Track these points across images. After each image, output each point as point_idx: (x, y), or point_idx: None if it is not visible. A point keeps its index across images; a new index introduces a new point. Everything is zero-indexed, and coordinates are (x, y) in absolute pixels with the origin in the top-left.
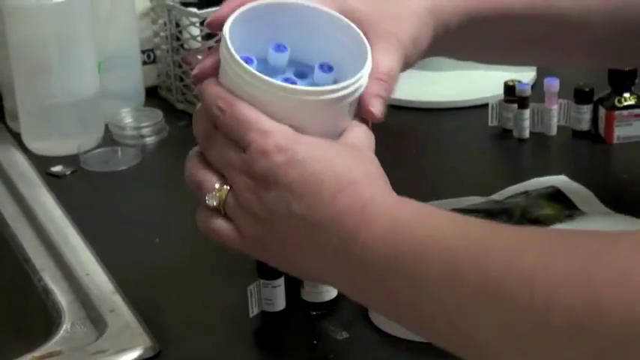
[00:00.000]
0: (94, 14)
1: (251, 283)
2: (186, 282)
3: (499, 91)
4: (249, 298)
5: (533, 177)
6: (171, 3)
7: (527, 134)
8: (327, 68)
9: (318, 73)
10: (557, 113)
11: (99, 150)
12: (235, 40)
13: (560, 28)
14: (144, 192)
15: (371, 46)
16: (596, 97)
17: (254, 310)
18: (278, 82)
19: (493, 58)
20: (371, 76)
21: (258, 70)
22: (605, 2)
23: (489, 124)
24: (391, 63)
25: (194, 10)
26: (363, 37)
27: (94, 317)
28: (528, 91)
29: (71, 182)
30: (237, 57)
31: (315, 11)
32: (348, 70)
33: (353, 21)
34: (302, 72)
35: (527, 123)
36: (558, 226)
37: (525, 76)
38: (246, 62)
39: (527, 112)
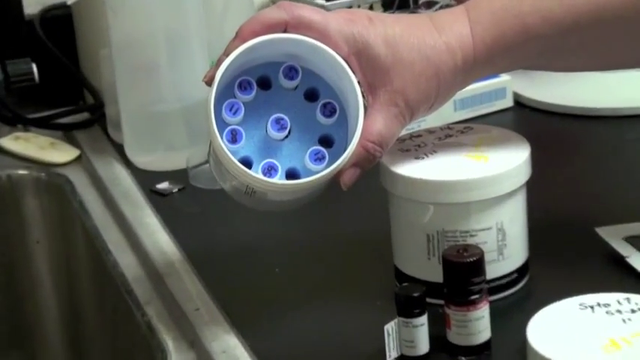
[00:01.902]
0: (206, 7)
1: (388, 321)
2: (310, 319)
3: None
4: (386, 339)
5: None
6: None
7: None
8: (324, 142)
9: (310, 162)
10: None
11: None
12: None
13: None
14: (263, 217)
15: (373, 100)
16: None
17: (392, 354)
18: (256, 175)
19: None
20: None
21: (251, 108)
22: None
23: None
24: (382, 129)
25: (320, 1)
26: (360, 99)
27: (204, 359)
28: None
29: (179, 201)
30: (226, 150)
31: (318, 50)
32: (349, 113)
33: (367, 67)
34: (312, 91)
35: None
36: None
37: None
38: (240, 86)
39: None
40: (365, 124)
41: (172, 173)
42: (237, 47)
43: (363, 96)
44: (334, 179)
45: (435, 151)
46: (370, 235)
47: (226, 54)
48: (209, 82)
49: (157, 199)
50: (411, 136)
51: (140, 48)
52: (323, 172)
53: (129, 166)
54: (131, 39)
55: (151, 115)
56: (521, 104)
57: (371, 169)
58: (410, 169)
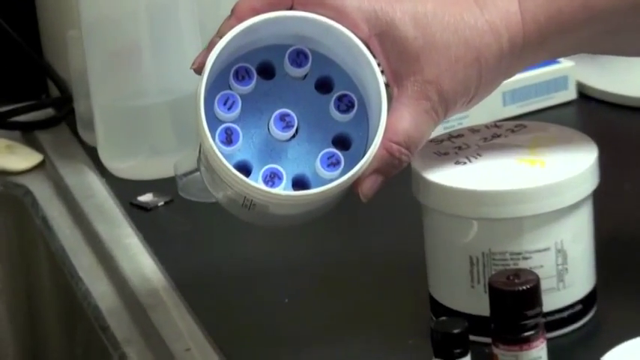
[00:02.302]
0: None
1: None
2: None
3: None
4: None
5: None
6: None
7: None
8: (340, 144)
9: (321, 168)
10: None
11: None
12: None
13: None
14: (267, 233)
15: (399, 92)
16: None
17: None
18: (256, 185)
19: None
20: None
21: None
22: None
23: None
24: (410, 127)
25: None
26: (383, 90)
27: None
28: None
29: (165, 217)
30: (219, 153)
31: (332, 31)
32: (370, 108)
33: (392, 52)
34: (324, 80)
35: None
36: None
37: None
38: (237, 75)
39: None
40: (389, 121)
41: (157, 183)
42: (232, 27)
43: (387, 87)
44: (352, 188)
45: (480, 155)
46: (399, 257)
47: (220, 36)
48: (199, 70)
49: (138, 214)
50: (450, 136)
51: (117, 28)
52: (338, 180)
53: (103, 173)
54: (105, 18)
55: (130, 112)
56: (586, 96)
57: (400, 176)
58: (448, 176)
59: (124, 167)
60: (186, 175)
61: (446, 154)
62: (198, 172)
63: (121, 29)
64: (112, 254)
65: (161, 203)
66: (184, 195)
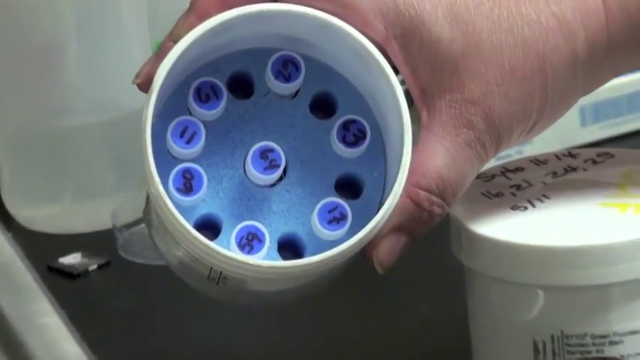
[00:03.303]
0: None
1: None
2: None
3: None
4: None
5: None
6: None
7: None
8: (346, 190)
9: (320, 226)
10: None
11: None
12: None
13: None
14: (242, 312)
15: (429, 118)
16: None
17: None
18: (226, 253)
19: None
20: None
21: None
22: None
23: None
24: (445, 167)
25: None
26: (405, 115)
27: None
28: None
29: (99, 287)
30: (171, 207)
31: (334, 30)
32: (388, 139)
33: (420, 60)
34: (323, 99)
35: None
36: None
37: None
38: (199, 94)
39: None
40: (416, 157)
41: (87, 238)
42: (192, 27)
43: (413, 109)
44: (363, 254)
45: (547, 197)
46: (433, 341)
47: (174, 39)
48: (145, 86)
49: (60, 283)
50: (505, 170)
51: (32, 23)
52: (343, 244)
53: (10, 226)
54: (16, 8)
55: (48, 138)
56: None
57: (434, 227)
58: (503, 227)
59: (39, 217)
60: (128, 227)
61: (499, 195)
62: (145, 225)
63: (38, 24)
64: (22, 339)
65: (93, 267)
66: (125, 255)
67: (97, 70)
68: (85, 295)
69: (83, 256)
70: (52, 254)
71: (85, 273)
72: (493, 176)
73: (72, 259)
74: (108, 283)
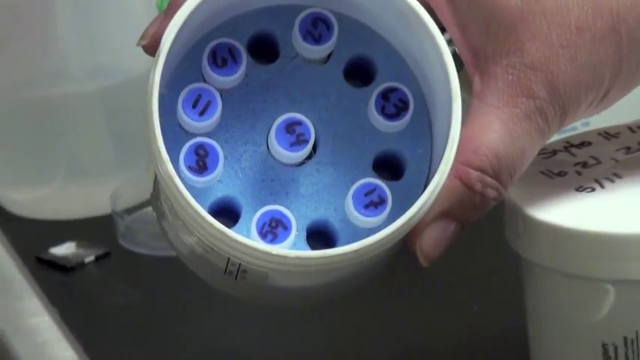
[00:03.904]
0: None
1: None
2: None
3: None
4: None
5: None
6: None
7: None
8: (385, 170)
9: (355, 211)
10: None
11: None
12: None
13: None
14: (263, 313)
15: (483, 85)
16: None
17: None
18: (246, 241)
19: None
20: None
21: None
22: None
23: None
24: (501, 143)
25: None
26: (454, 81)
27: None
28: None
29: (97, 282)
30: (183, 189)
31: None
32: (434, 110)
33: (471, 18)
34: (359, 64)
35: None
36: None
37: None
38: (215, 58)
39: None
40: (467, 131)
41: (83, 225)
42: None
43: (461, 74)
44: (405, 244)
45: (619, 176)
46: (485, 344)
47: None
48: (151, 48)
49: (51, 277)
50: (570, 145)
51: None
52: (381, 233)
53: None
54: None
55: (38, 107)
56: None
57: (485, 216)
58: (567, 211)
59: (26, 200)
60: (130, 212)
61: (562, 174)
62: (151, 210)
63: None
64: (8, 342)
65: (89, 259)
66: (127, 245)
67: (94, 28)
68: (80, 291)
69: (78, 246)
70: (41, 244)
71: (81, 266)
72: (555, 152)
73: (65, 250)
74: (107, 277)
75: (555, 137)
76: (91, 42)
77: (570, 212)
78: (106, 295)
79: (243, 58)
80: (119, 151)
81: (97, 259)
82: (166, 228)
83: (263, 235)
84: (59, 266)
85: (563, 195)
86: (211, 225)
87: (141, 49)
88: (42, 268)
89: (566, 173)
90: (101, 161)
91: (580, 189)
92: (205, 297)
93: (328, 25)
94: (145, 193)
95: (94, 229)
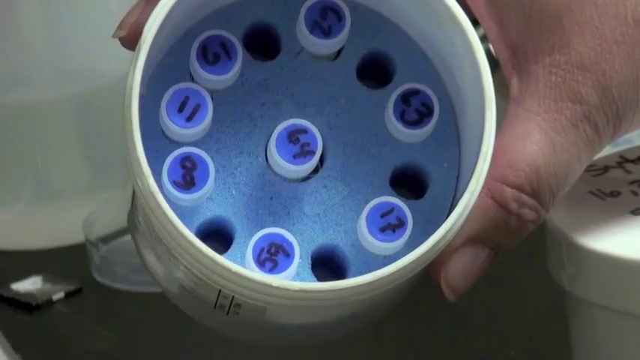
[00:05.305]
0: None
1: None
2: None
3: None
4: None
5: None
6: None
7: None
8: (404, 186)
9: (369, 234)
10: None
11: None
12: None
13: None
14: (262, 353)
15: (523, 89)
16: None
17: None
18: (241, 270)
19: None
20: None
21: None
22: None
23: None
24: (541, 156)
25: None
26: (487, 83)
27: None
28: None
29: (67, 324)
30: (166, 208)
31: None
32: (463, 116)
33: (509, 7)
34: (375, 61)
35: None
36: None
37: None
38: (205, 53)
39: None
40: (502, 141)
41: (52, 255)
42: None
43: (496, 75)
44: (427, 274)
45: None
46: None
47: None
48: (130, 40)
49: (13, 317)
50: (624, 160)
51: None
52: (400, 262)
53: None
54: None
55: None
56: None
57: (523, 242)
58: (620, 239)
59: None
60: (105, 241)
61: (614, 194)
62: (130, 237)
63: None
64: None
65: (58, 296)
66: (102, 279)
67: (63, 26)
68: (47, 333)
69: (45, 280)
70: (1, 278)
71: (48, 304)
72: (606, 168)
73: (30, 285)
74: (78, 317)
75: (607, 150)
76: (60, 42)
77: (625, 239)
78: (78, 338)
79: (238, 54)
80: (93, 168)
81: (67, 295)
82: (146, 256)
83: (261, 263)
84: (23, 304)
85: (617, 219)
86: (199, 250)
87: (118, 48)
88: (2, 307)
89: (619, 193)
90: (72, 181)
91: (636, 212)
92: (194, 339)
93: (339, 15)
94: (124, 219)
95: (64, 261)
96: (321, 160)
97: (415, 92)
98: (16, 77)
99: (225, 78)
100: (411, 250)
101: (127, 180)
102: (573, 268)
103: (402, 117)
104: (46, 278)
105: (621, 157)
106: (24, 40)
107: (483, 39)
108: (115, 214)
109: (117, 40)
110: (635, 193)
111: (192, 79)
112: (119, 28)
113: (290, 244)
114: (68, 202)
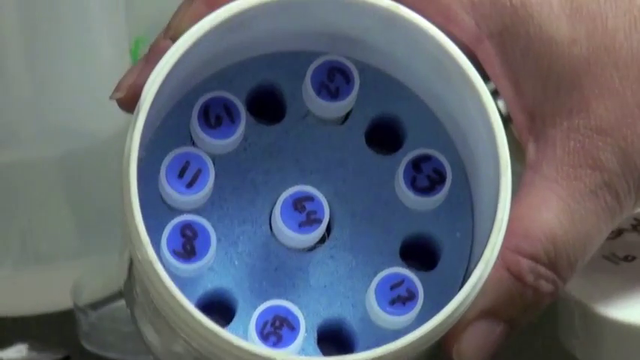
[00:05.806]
0: None
1: None
2: None
3: None
4: None
5: None
6: None
7: None
8: (415, 256)
9: (378, 307)
10: None
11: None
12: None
13: None
14: None
15: (540, 155)
16: None
17: None
18: (244, 344)
19: None
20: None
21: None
22: None
23: None
24: (559, 226)
25: None
26: (503, 148)
27: None
28: None
29: None
30: (166, 279)
31: (404, 27)
32: (477, 183)
33: (527, 69)
34: (385, 125)
35: None
36: None
37: None
38: (207, 116)
39: None
40: (518, 210)
41: (37, 324)
42: (198, 18)
43: (511, 139)
44: (439, 349)
45: None
46: None
47: (173, 36)
48: (128, 102)
49: None
50: (638, 223)
51: None
52: (410, 335)
53: None
54: None
55: None
56: None
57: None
58: (636, 307)
59: None
60: (95, 307)
61: (629, 259)
62: (122, 304)
63: None
64: None
65: None
66: (92, 348)
67: (52, 79)
68: None
69: (31, 348)
70: None
71: None
72: (620, 232)
73: (15, 353)
74: None
75: None
76: (48, 99)
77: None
78: None
79: (241, 117)
80: (82, 231)
81: None
82: (142, 327)
83: (264, 336)
84: None
85: (632, 285)
86: (200, 323)
87: (111, 107)
88: None
89: (634, 258)
90: (60, 244)
91: None
92: None
93: (347, 77)
94: (115, 284)
95: (51, 328)
96: (328, 229)
97: (427, 158)
98: (1, 135)
99: (228, 142)
100: (422, 324)
101: (122, 247)
102: (586, 337)
103: (412, 184)
104: (32, 346)
105: (636, 219)
106: (9, 96)
107: (494, 95)
108: (105, 279)
109: (108, 98)
110: None
111: (193, 144)
112: (117, 89)
113: (295, 317)
114: (56, 266)
